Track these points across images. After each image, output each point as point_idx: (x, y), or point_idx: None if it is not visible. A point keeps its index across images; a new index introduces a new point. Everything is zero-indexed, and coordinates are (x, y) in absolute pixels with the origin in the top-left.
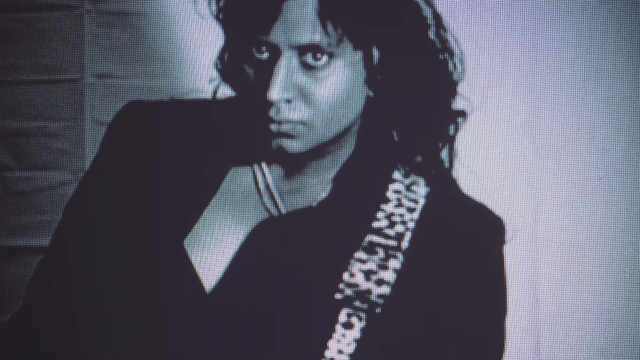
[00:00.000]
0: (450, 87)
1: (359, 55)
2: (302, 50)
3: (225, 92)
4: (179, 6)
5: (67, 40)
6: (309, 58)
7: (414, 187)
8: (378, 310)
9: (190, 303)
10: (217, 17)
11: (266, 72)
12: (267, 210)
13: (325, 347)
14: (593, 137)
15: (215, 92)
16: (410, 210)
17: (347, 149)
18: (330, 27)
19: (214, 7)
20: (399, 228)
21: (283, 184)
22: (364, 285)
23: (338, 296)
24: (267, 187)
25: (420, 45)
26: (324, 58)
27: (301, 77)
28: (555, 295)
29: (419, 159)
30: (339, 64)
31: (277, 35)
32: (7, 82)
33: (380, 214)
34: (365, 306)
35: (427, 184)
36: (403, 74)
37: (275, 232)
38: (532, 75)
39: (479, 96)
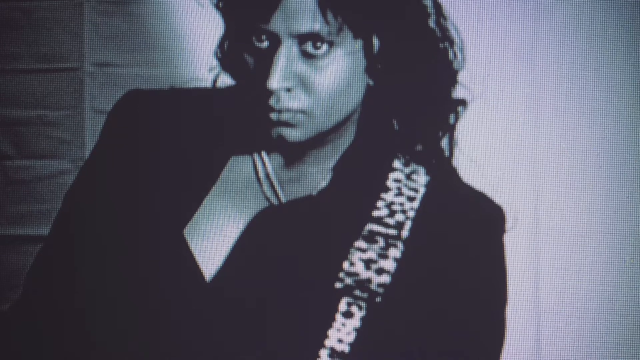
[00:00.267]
0: (450, 76)
1: (359, 44)
2: (302, 38)
3: (225, 80)
4: None
5: (66, 29)
6: (309, 47)
7: (414, 176)
8: (378, 299)
9: (190, 292)
10: (217, 6)
11: (266, 60)
12: (267, 199)
13: (326, 336)
14: (593, 125)
15: (215, 81)
16: (411, 199)
17: (347, 138)
18: (330, 16)
19: None
20: (399, 217)
21: (283, 173)
22: (364, 274)
23: (338, 285)
24: (267, 176)
25: (420, 34)
26: (324, 47)
27: (301, 66)
28: (556, 284)
29: (419, 147)
30: (339, 53)
31: (277, 23)
32: (7, 71)
33: (380, 203)
34: (365, 295)
35: (428, 173)
36: (403, 63)
37: (275, 221)
38: (532, 63)
39: (479, 85)
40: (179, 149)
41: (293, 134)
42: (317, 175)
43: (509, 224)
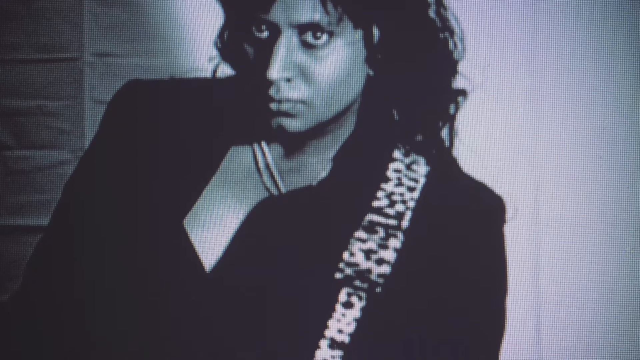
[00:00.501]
0: (450, 66)
1: (359, 34)
2: (302, 29)
3: (225, 71)
4: None
5: (66, 19)
6: (309, 37)
7: (414, 166)
8: (378, 289)
9: (189, 282)
10: None
11: (266, 51)
12: (267, 189)
13: (326, 327)
14: (594, 115)
15: (215, 71)
16: (411, 189)
17: (347, 128)
18: (330, 6)
19: None
20: (399, 207)
21: (283, 163)
22: (364, 264)
23: (338, 275)
24: (267, 166)
25: (420, 24)
26: (324, 37)
27: (301, 56)
28: (556, 274)
29: (419, 137)
30: (339, 43)
31: (277, 13)
32: (7, 61)
33: (380, 193)
34: (365, 285)
35: (428, 163)
36: (403, 53)
37: (275, 211)
38: (532, 54)
39: (479, 75)
40: (179, 139)
41: (293, 124)
42: (317, 166)
43: (509, 215)
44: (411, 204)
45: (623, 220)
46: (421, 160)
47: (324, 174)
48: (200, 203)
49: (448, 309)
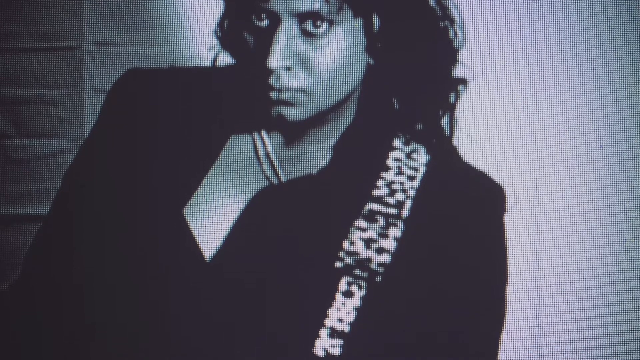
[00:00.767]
0: (450, 55)
1: (359, 23)
2: (302, 17)
3: (225, 59)
4: None
5: (66, 8)
6: (309, 25)
7: (414, 155)
8: (378, 278)
9: (189, 271)
10: None
11: (266, 39)
12: (267, 178)
13: (326, 316)
14: (594, 103)
15: (214, 60)
16: (411, 178)
17: (347, 117)
18: None
19: None
20: (400, 196)
21: (283, 152)
22: (364, 253)
23: (338, 264)
24: (267, 155)
25: (420, 13)
26: (324, 25)
27: (301, 45)
28: (556, 263)
29: (419, 126)
30: (339, 32)
31: (277, 2)
32: (6, 50)
33: (380, 182)
34: (365, 274)
35: (428, 152)
36: (403, 42)
37: (275, 200)
38: (532, 42)
39: (479, 64)
40: (179, 128)
41: (293, 113)
42: (317, 155)
43: (509, 203)
44: (411, 192)
45: (624, 209)
46: (421, 149)
47: (324, 162)
48: (200, 192)
49: (448, 298)
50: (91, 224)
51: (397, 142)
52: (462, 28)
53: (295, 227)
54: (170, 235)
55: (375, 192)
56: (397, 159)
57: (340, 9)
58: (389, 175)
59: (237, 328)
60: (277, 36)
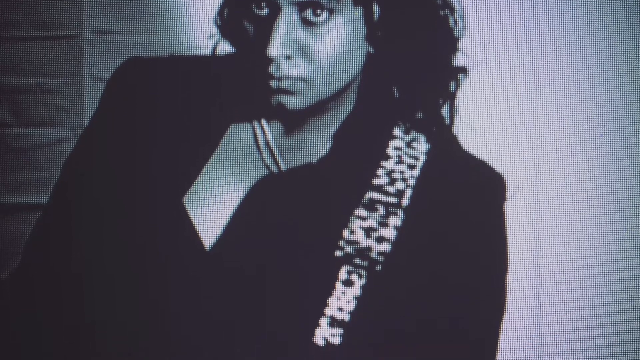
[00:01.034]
0: (450, 43)
1: (359, 11)
2: (302, 6)
3: (225, 48)
4: None
5: None
6: (308, 14)
7: (414, 144)
8: (378, 267)
9: (189, 260)
10: None
11: (266, 28)
12: (267, 167)
13: (325, 305)
14: (595, 92)
15: (214, 49)
16: (411, 167)
17: (347, 106)
18: None
19: None
20: (400, 185)
21: (283, 141)
22: (364, 242)
23: (338, 253)
24: (267, 143)
25: (420, 1)
26: (324, 14)
27: (301, 33)
28: (556, 251)
29: (419, 115)
30: (339, 20)
31: None
32: (6, 39)
33: (380, 171)
34: (365, 263)
35: (428, 141)
36: (403, 30)
37: (274, 189)
38: (533, 30)
39: (479, 52)
40: (178, 117)
41: (293, 102)
42: (317, 143)
43: (509, 192)
44: (411, 181)
45: (624, 197)
46: (421, 137)
47: (324, 151)
48: (199, 181)
49: (448, 287)
50: (91, 212)
51: (397, 131)
52: (462, 16)
53: (295, 216)
54: (170, 224)
55: (376, 181)
56: (397, 148)
57: None
58: (389, 164)
59: (237, 317)
60: (277, 25)
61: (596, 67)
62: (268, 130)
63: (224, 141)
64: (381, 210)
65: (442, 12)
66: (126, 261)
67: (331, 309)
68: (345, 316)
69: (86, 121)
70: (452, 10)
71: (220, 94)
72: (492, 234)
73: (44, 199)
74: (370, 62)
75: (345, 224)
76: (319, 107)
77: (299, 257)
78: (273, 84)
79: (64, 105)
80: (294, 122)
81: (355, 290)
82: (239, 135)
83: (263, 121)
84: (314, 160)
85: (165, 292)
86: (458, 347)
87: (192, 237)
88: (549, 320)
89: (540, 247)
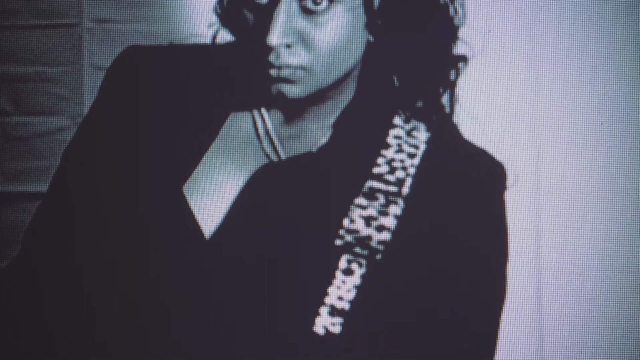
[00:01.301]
0: (451, 32)
1: (359, 0)
2: None
3: (225, 37)
4: None
5: None
6: (308, 3)
7: (414, 133)
8: (378, 256)
9: (189, 249)
10: None
11: (266, 16)
12: (267, 155)
13: (326, 294)
14: (595, 81)
15: (214, 37)
16: (411, 155)
17: (347, 95)
18: None
19: None
20: (400, 174)
21: (283, 130)
22: (364, 231)
23: (338, 242)
24: (267, 132)
25: None
26: (324, 3)
27: (301, 22)
28: (557, 240)
29: (419, 104)
30: (339, 9)
31: None
32: (5, 27)
33: (380, 160)
34: (365, 252)
35: (428, 130)
36: (403, 19)
37: (274, 177)
38: (533, 18)
39: (480, 41)
40: (178, 106)
41: (293, 91)
42: (317, 132)
43: (509, 181)
44: (411, 170)
45: (625, 187)
46: (421, 126)
47: (324, 140)
48: (199, 170)
49: (448, 276)
50: (90, 201)
51: (397, 120)
52: (462, 5)
53: (295, 205)
54: (170, 213)
55: (376, 170)
56: (397, 137)
57: None
58: (389, 153)
59: (236, 306)
60: (277, 13)
61: (597, 56)
62: (268, 119)
63: (223, 130)
64: (381, 199)
65: (442, 1)
66: (126, 249)
67: (331, 298)
68: (345, 305)
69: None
70: None
71: (220, 82)
72: (492, 223)
73: (43, 187)
74: (370, 50)
75: (345, 212)
76: (319, 96)
77: (299, 246)
78: (273, 72)
79: (63, 94)
80: (294, 110)
81: (355, 279)
82: (238, 124)
83: (263, 110)
84: (314, 149)
85: (165, 280)
86: (458, 337)
87: (192, 226)
88: (549, 309)
89: (541, 235)
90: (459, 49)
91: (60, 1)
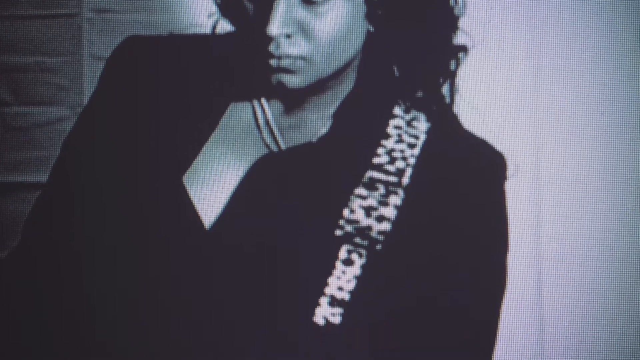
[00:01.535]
0: (451, 22)
1: None
2: None
3: (225, 27)
4: None
5: None
6: None
7: (414, 123)
8: (378, 246)
9: (189, 239)
10: None
11: (266, 6)
12: (267, 146)
13: (326, 284)
14: (595, 71)
15: (214, 27)
16: (411, 146)
17: (347, 85)
18: None
19: None
20: (400, 164)
21: (283, 120)
22: (364, 221)
23: (338, 233)
24: (267, 122)
25: None
26: None
27: (301, 12)
28: (557, 230)
29: (419, 94)
30: None
31: None
32: (5, 17)
33: (380, 150)
34: (365, 243)
35: (428, 120)
36: (403, 9)
37: (274, 168)
38: (533, 9)
39: (480, 31)
40: (178, 96)
41: (293, 81)
42: (317, 122)
43: (510, 171)
44: (411, 160)
45: (625, 176)
46: (422, 116)
47: (324, 130)
48: (199, 160)
49: (448, 266)
50: (90, 191)
51: (397, 110)
52: None
53: (295, 195)
54: (170, 203)
55: (376, 160)
56: (397, 127)
57: None
58: (389, 143)
59: (236, 296)
60: (276, 3)
61: (597, 46)
62: (268, 109)
63: (223, 120)
64: (381, 189)
65: None
66: (126, 240)
67: (331, 288)
68: (345, 295)
69: (85, 100)
70: None
71: (220, 73)
72: (493, 213)
73: (43, 177)
74: (370, 40)
75: (345, 203)
76: (319, 86)
77: (299, 236)
78: (273, 62)
79: (63, 84)
80: (294, 101)
81: (356, 269)
82: (238, 114)
83: (263, 100)
84: (314, 139)
85: (165, 270)
86: (458, 326)
87: (192, 216)
88: (550, 299)
89: (541, 225)
90: (459, 39)
91: None
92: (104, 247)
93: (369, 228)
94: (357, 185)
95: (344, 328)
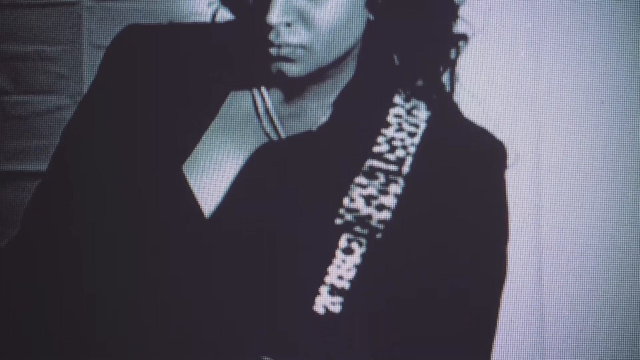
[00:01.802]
0: (451, 10)
1: None
2: None
3: (225, 15)
4: None
5: None
6: None
7: (414, 112)
8: (378, 235)
9: (189, 228)
10: None
11: None
12: (267, 134)
13: (325, 273)
14: (596, 60)
15: (214, 16)
16: (411, 134)
17: (347, 73)
18: None
19: None
20: (400, 153)
21: (283, 109)
22: (365, 210)
23: (338, 221)
24: (267, 111)
25: None
26: None
27: (301, 1)
28: (557, 220)
29: (420, 83)
30: None
31: None
32: (5, 6)
33: (380, 139)
34: (365, 232)
35: (428, 108)
36: None
37: (274, 156)
38: None
39: (480, 19)
40: (178, 85)
41: (293, 69)
42: (317, 111)
43: (510, 160)
44: (412, 149)
45: (625, 165)
46: (422, 105)
47: (324, 119)
48: (199, 148)
49: (448, 255)
50: (90, 180)
51: (397, 99)
52: None
53: (294, 184)
54: (170, 192)
55: (376, 149)
56: (397, 116)
57: None
58: (390, 132)
59: (236, 285)
60: None
61: (598, 35)
62: (268, 98)
63: (223, 109)
64: (381, 178)
65: None
66: (126, 228)
67: (331, 278)
68: (345, 284)
69: (85, 88)
70: None
71: (219, 61)
72: (493, 202)
73: (43, 166)
74: (370, 29)
75: (345, 191)
76: (319, 75)
77: (299, 225)
78: (273, 51)
79: (63, 73)
80: (293, 89)
81: (356, 258)
82: (238, 103)
83: (263, 89)
84: (314, 128)
85: (165, 259)
86: (458, 314)
87: (192, 205)
88: (550, 289)
89: (541, 215)
90: (460, 27)
91: None
92: (104, 235)
93: (369, 217)
94: (357, 174)
95: (344, 317)
